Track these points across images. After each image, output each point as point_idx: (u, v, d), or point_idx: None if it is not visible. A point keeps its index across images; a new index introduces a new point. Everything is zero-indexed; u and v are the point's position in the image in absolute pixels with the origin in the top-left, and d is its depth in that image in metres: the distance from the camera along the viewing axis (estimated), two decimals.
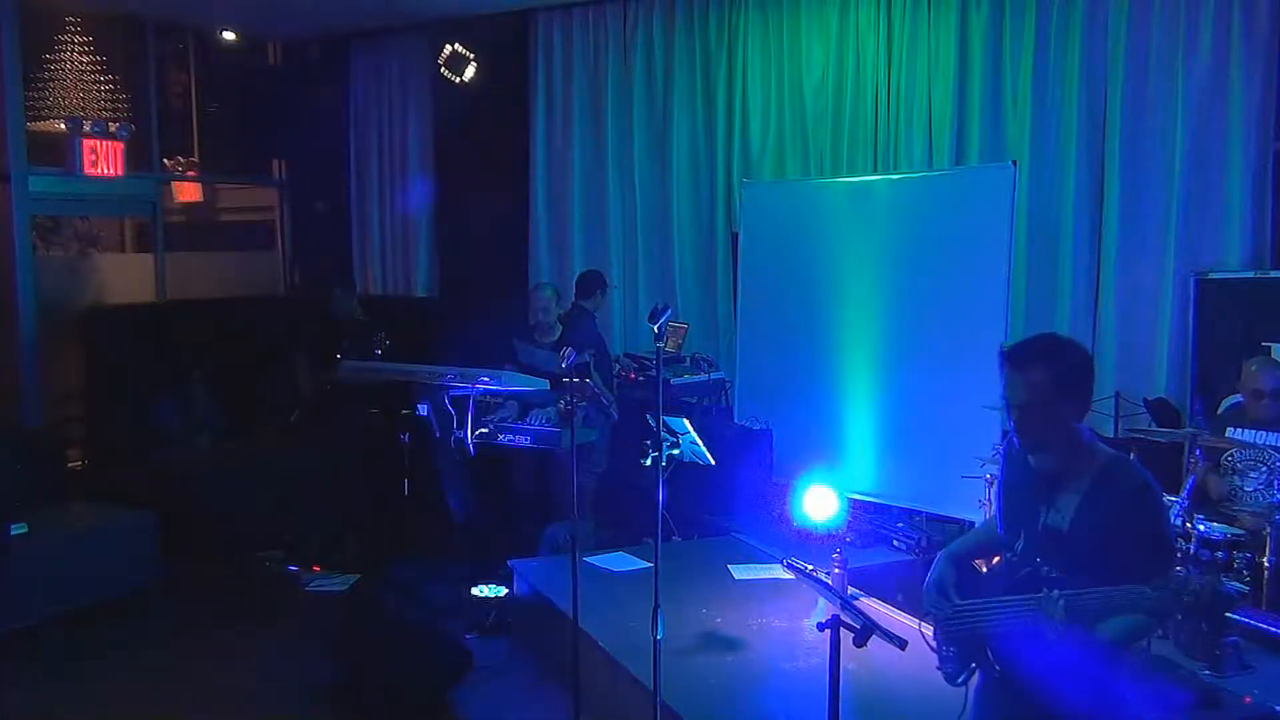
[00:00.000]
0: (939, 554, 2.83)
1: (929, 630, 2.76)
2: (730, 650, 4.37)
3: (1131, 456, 4.56)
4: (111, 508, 6.21)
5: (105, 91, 8.01)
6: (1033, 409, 2.42)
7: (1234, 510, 4.57)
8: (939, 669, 2.73)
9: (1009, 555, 2.62)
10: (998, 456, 4.96)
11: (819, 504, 5.41)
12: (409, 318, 8.38)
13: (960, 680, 2.67)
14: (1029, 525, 2.53)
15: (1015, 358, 2.45)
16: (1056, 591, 2.26)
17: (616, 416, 6.42)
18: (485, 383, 5.76)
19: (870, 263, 6.18)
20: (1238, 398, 4.87)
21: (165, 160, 8.63)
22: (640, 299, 7.73)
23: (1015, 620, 2.42)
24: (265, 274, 9.50)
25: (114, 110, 8.03)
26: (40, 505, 5.97)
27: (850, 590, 4.55)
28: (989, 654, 2.53)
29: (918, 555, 5.47)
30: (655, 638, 3.36)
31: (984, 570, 2.81)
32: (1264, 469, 4.53)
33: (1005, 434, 4.02)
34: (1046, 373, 2.40)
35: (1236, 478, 4.64)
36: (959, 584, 2.68)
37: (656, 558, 3.41)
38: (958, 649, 2.65)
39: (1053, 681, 2.40)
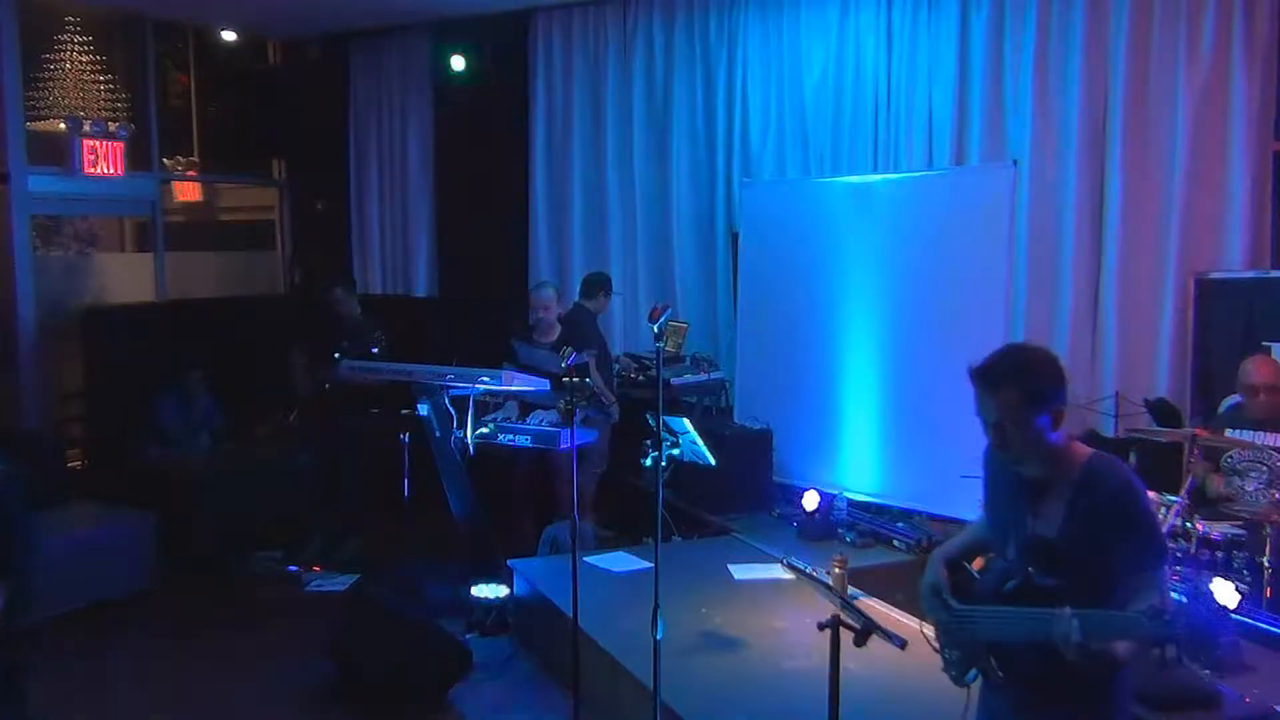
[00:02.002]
0: (931, 555, 2.81)
1: (930, 632, 2.75)
2: (730, 650, 4.37)
3: (1131, 457, 4.60)
4: (111, 508, 6.21)
5: (105, 91, 8.02)
6: (1007, 426, 2.39)
7: (1234, 510, 4.57)
8: (944, 671, 2.72)
9: (1000, 561, 2.62)
10: (982, 464, 4.98)
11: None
12: (409, 318, 8.38)
13: (968, 680, 2.66)
14: (1018, 533, 2.51)
15: (983, 377, 2.41)
16: (1069, 610, 2.24)
17: (617, 416, 6.42)
18: (485, 383, 5.76)
19: (870, 262, 6.18)
20: (1237, 398, 4.87)
21: (165, 160, 8.63)
22: (640, 299, 7.72)
23: (1023, 632, 2.40)
24: (265, 274, 9.50)
25: (114, 110, 8.04)
26: (40, 505, 5.96)
27: (850, 590, 4.55)
28: (992, 661, 2.52)
29: (918, 555, 5.47)
30: (655, 638, 3.36)
31: (977, 572, 2.80)
32: (1264, 469, 4.52)
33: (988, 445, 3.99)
34: (1016, 389, 2.36)
35: (1237, 478, 4.65)
36: (954, 587, 2.66)
37: (656, 558, 3.41)
38: (961, 653, 2.65)
39: (1056, 689, 2.40)
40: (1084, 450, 2.46)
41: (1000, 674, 2.51)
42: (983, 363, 2.44)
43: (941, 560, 2.75)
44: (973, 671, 2.64)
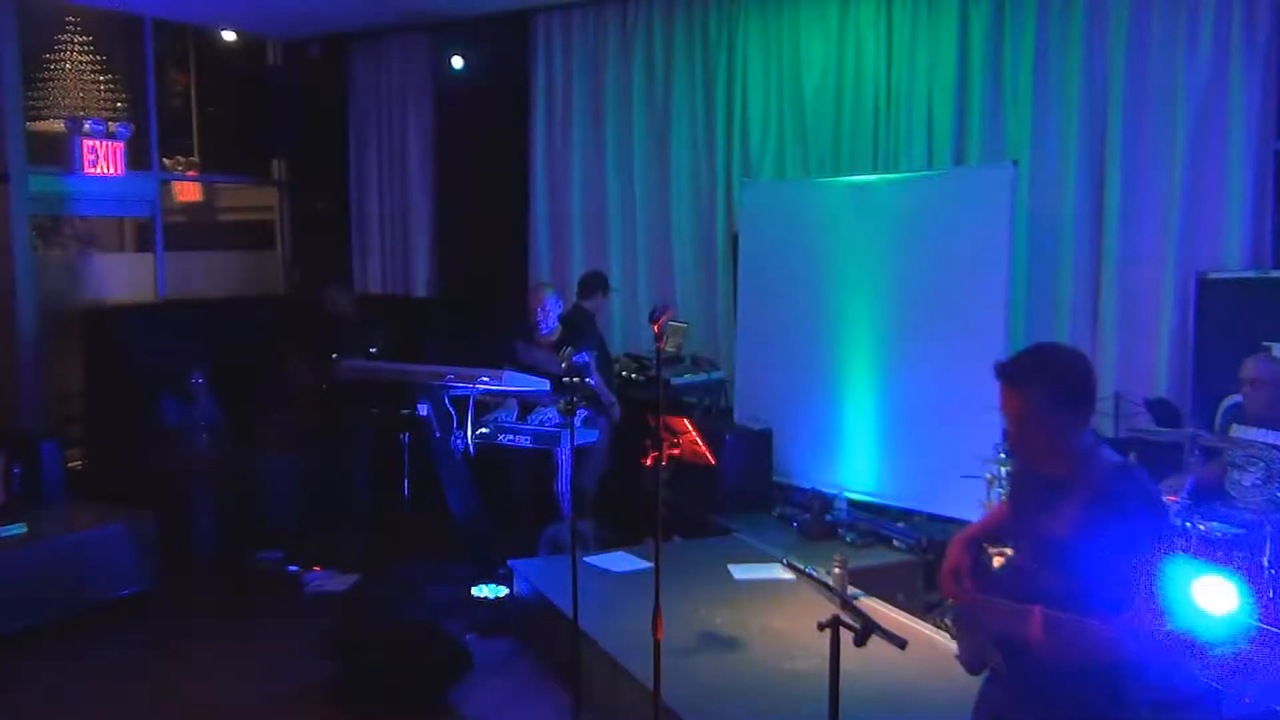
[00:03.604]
0: (954, 537, 2.76)
1: (949, 620, 2.76)
2: (730, 650, 4.37)
3: (1131, 457, 4.60)
4: (111, 508, 6.21)
5: (105, 91, 8.01)
6: (1030, 425, 2.36)
7: (1234, 508, 4.58)
8: (957, 657, 2.73)
9: (1014, 557, 2.62)
10: (999, 455, 5.00)
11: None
12: (409, 318, 8.38)
13: (976, 669, 2.66)
14: (1030, 530, 2.51)
15: (1010, 373, 2.38)
16: (1038, 608, 2.25)
17: (617, 416, 6.42)
18: (485, 383, 5.77)
19: (870, 262, 6.18)
20: (1237, 398, 4.89)
21: (165, 160, 8.63)
22: (640, 299, 7.72)
23: (1003, 626, 2.41)
24: (265, 274, 9.51)
25: (114, 110, 8.04)
26: (40, 505, 5.98)
27: (850, 590, 4.55)
28: (995, 654, 2.53)
29: (918, 555, 5.47)
30: (655, 638, 3.36)
31: (997, 564, 2.81)
32: (1262, 465, 4.54)
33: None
34: (1043, 388, 2.33)
35: (1236, 473, 4.66)
36: (973, 571, 2.64)
37: (657, 558, 3.41)
38: (969, 640, 2.66)
39: (1054, 685, 2.39)
40: (1109, 456, 2.42)
41: (1005, 665, 2.51)
42: (1010, 358, 2.42)
43: (962, 543, 2.70)
44: (979, 661, 2.65)
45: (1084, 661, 2.24)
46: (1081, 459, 2.39)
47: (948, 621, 2.76)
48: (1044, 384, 2.33)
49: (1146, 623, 2.16)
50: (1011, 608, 2.39)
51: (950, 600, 2.71)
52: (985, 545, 2.80)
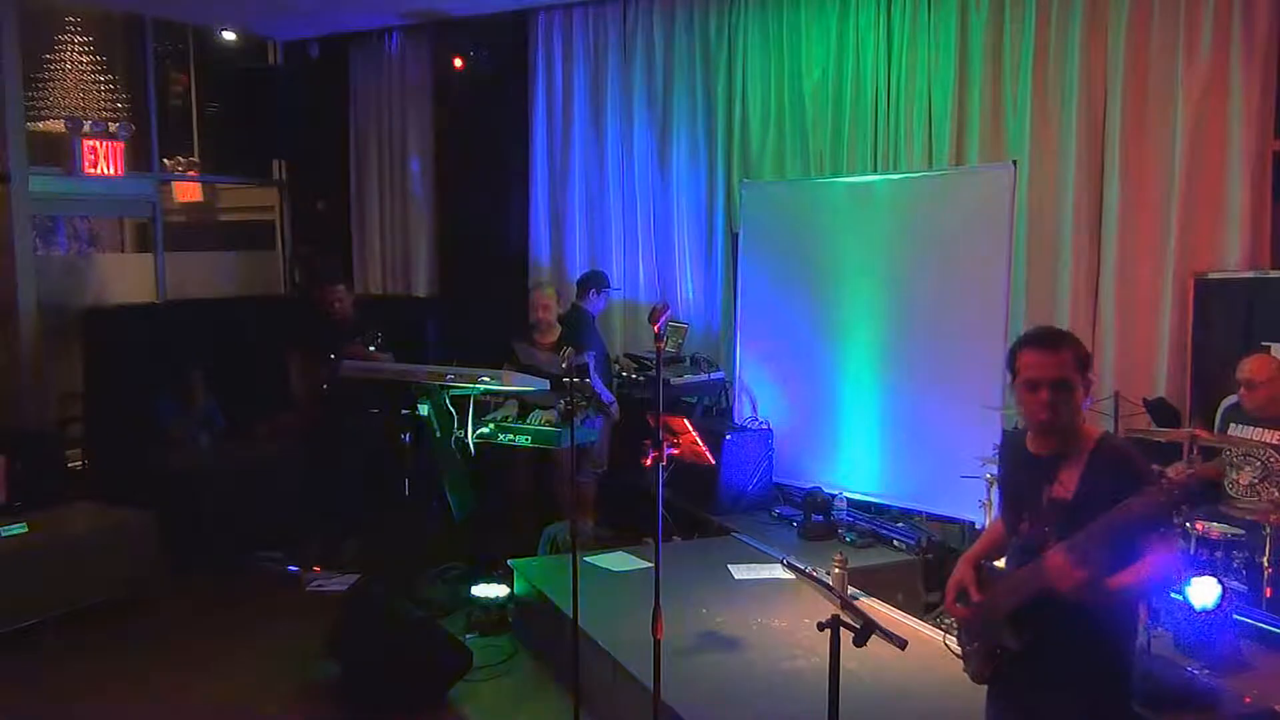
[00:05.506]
0: (960, 558, 2.92)
1: (952, 639, 2.82)
2: (730, 650, 4.37)
3: None
4: (111, 508, 6.21)
5: (105, 91, 8.02)
6: (1063, 385, 2.57)
7: (1233, 508, 4.59)
8: (965, 670, 2.77)
9: (1015, 540, 2.71)
10: (998, 457, 5.00)
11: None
12: (409, 317, 8.38)
13: (985, 675, 2.74)
14: (1033, 503, 2.64)
15: (1046, 339, 2.65)
16: (1058, 546, 2.41)
17: (617, 416, 6.43)
18: (485, 383, 5.77)
19: (870, 262, 6.19)
20: (1236, 398, 4.90)
21: (165, 160, 8.63)
22: (640, 299, 7.73)
23: (1029, 586, 2.53)
24: (265, 274, 9.51)
25: (114, 110, 8.04)
26: (40, 505, 5.98)
27: (850, 590, 4.56)
28: (1009, 634, 2.59)
29: (918, 555, 5.48)
30: (655, 638, 3.36)
31: (1000, 565, 2.87)
32: (1258, 463, 4.54)
33: (1005, 434, 4.04)
34: (1072, 352, 2.61)
35: (1234, 472, 4.67)
36: (979, 583, 2.78)
37: (657, 558, 3.41)
38: (980, 643, 2.70)
39: (1066, 638, 2.51)
40: (1095, 429, 2.67)
41: (1016, 645, 2.59)
42: (1038, 329, 2.75)
43: (967, 560, 2.87)
44: (989, 668, 2.68)
45: (1104, 587, 2.41)
46: (1079, 430, 2.64)
47: (950, 642, 2.83)
48: (1072, 349, 2.62)
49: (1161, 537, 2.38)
50: (1027, 568, 2.56)
51: (956, 617, 2.80)
52: (989, 559, 2.89)
